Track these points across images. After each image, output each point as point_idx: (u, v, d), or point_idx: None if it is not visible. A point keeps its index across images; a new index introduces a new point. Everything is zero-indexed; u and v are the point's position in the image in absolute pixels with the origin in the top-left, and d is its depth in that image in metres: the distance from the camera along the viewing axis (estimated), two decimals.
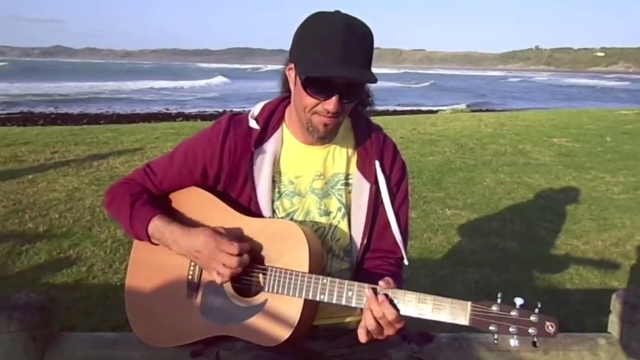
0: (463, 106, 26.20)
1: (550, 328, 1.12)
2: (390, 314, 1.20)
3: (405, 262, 1.49)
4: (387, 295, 1.22)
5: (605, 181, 6.29)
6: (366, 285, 1.25)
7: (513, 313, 1.14)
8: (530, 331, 1.13)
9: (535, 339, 1.13)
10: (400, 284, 1.32)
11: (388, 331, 1.23)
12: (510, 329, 1.13)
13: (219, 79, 53.71)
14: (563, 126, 10.62)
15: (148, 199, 1.45)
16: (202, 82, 48.57)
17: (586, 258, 3.96)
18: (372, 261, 1.49)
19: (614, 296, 1.80)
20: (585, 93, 47.41)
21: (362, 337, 1.24)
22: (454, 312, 1.18)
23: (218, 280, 1.32)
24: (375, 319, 1.21)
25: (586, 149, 8.20)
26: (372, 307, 1.22)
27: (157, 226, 1.39)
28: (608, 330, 1.82)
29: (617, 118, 12.01)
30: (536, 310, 1.14)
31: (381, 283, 1.24)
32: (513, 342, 1.14)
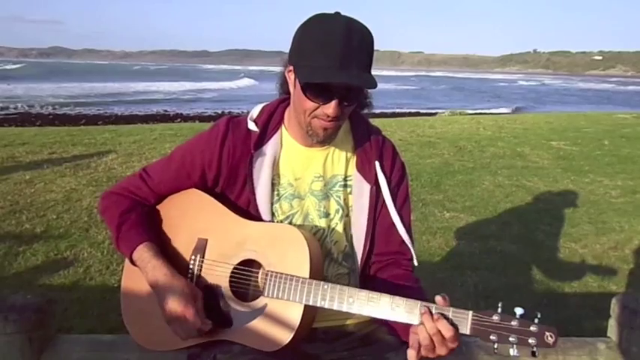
0: (507, 110, 26.63)
1: (550, 338, 1.12)
2: (448, 331, 1.15)
3: (415, 262, 1.48)
4: (442, 314, 1.17)
5: (603, 184, 6.30)
6: (419, 302, 1.20)
7: (513, 322, 1.14)
8: (530, 341, 1.12)
9: (535, 349, 1.13)
10: (422, 293, 1.33)
11: (440, 351, 1.17)
12: (510, 339, 1.13)
13: (245, 81, 52.36)
14: (561, 129, 10.65)
15: (137, 219, 1.42)
16: (233, 84, 47.92)
17: (584, 262, 3.96)
18: (384, 268, 1.47)
19: (613, 300, 1.79)
20: (604, 96, 47.17)
21: (412, 358, 1.18)
22: (456, 321, 1.17)
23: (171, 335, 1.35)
24: (429, 336, 1.16)
25: (584, 153, 8.22)
26: (426, 323, 1.17)
27: (142, 256, 1.37)
28: (608, 334, 1.81)
29: (615, 122, 12.05)
30: (536, 320, 1.13)
31: (437, 299, 1.19)
32: (513, 351, 1.14)
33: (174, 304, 1.31)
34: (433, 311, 1.18)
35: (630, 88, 68.83)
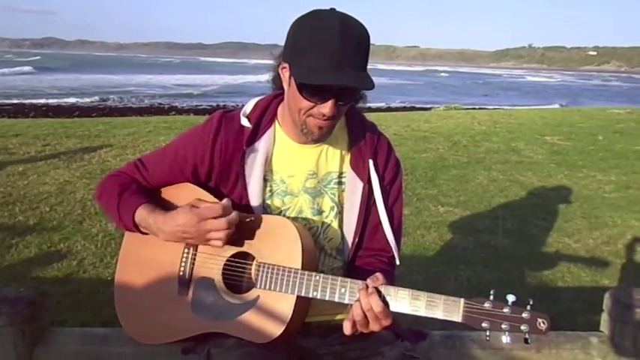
0: (557, 105, 26.20)
1: (542, 324, 1.13)
2: (377, 307, 1.20)
3: (397, 261, 1.48)
4: (377, 289, 1.21)
5: (596, 179, 6.32)
6: (360, 282, 1.24)
7: (505, 310, 1.15)
8: (522, 327, 1.13)
9: (527, 335, 1.13)
10: (391, 281, 1.31)
11: (374, 326, 1.22)
12: (502, 326, 1.14)
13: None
14: (555, 124, 10.65)
15: (137, 188, 1.44)
16: (263, 78, 48.86)
17: (577, 256, 3.98)
18: (363, 259, 1.49)
19: (606, 295, 1.80)
20: (631, 94, 46.76)
21: (347, 329, 1.23)
22: (447, 309, 1.18)
23: (218, 244, 1.31)
24: (362, 311, 1.21)
25: (578, 148, 8.23)
26: (361, 299, 1.21)
27: (142, 215, 1.38)
28: (601, 329, 1.82)
29: (608, 117, 12.07)
30: (528, 307, 1.14)
31: (368, 280, 1.23)
32: (505, 339, 1.14)
33: (184, 218, 1.31)
34: (369, 287, 1.21)
35: None
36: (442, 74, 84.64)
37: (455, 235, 4.31)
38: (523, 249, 4.07)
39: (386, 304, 1.21)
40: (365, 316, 1.21)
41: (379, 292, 1.22)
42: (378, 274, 1.24)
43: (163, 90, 31.48)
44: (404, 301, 1.21)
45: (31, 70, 46.14)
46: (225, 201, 1.31)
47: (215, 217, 1.28)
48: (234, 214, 1.29)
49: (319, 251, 1.44)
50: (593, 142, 8.67)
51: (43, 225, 4.07)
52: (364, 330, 1.23)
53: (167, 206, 1.44)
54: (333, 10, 1.27)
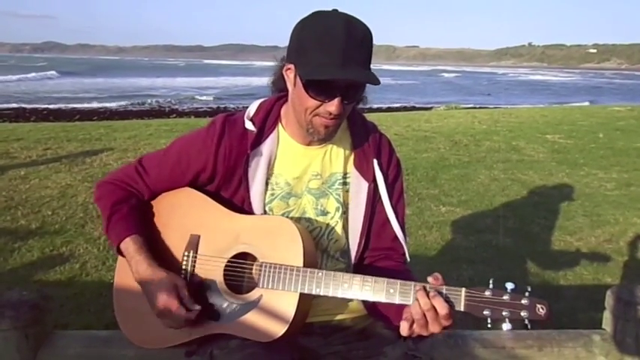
0: (586, 103, 25.87)
1: (541, 310, 1.15)
2: (443, 309, 1.17)
3: (407, 257, 1.49)
4: (439, 291, 1.19)
5: (598, 177, 6.32)
6: (413, 282, 1.22)
7: (505, 297, 1.17)
8: (522, 314, 1.15)
9: (527, 322, 1.15)
10: (414, 279, 1.32)
11: (433, 327, 1.19)
12: (503, 313, 1.16)
13: None
14: (556, 122, 10.66)
15: (128, 211, 1.42)
16: None
17: (579, 254, 3.98)
18: (374, 260, 1.48)
19: (608, 293, 1.80)
20: None
21: (404, 330, 1.20)
22: (450, 298, 1.20)
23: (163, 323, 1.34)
24: (422, 311, 1.18)
25: (579, 146, 8.23)
26: (420, 299, 1.18)
27: (128, 249, 1.38)
28: (603, 326, 1.82)
29: (609, 115, 12.07)
30: (527, 294, 1.16)
31: (430, 279, 1.21)
32: (506, 326, 1.16)
33: (158, 297, 1.32)
34: (428, 289, 1.20)
35: None
36: (448, 74, 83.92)
37: (456, 235, 4.31)
38: (525, 248, 4.07)
39: (450, 304, 1.18)
40: (425, 316, 1.18)
41: (440, 293, 1.19)
42: (437, 274, 1.22)
43: (197, 92, 31.74)
44: (408, 294, 1.22)
45: (56, 74, 47.14)
46: (193, 313, 1.32)
47: (178, 317, 1.30)
48: (192, 330, 1.34)
49: (321, 253, 1.44)
50: (594, 140, 8.67)
51: (45, 229, 4.08)
52: (423, 332, 1.20)
53: (164, 213, 1.46)
54: (335, 10, 1.28)
